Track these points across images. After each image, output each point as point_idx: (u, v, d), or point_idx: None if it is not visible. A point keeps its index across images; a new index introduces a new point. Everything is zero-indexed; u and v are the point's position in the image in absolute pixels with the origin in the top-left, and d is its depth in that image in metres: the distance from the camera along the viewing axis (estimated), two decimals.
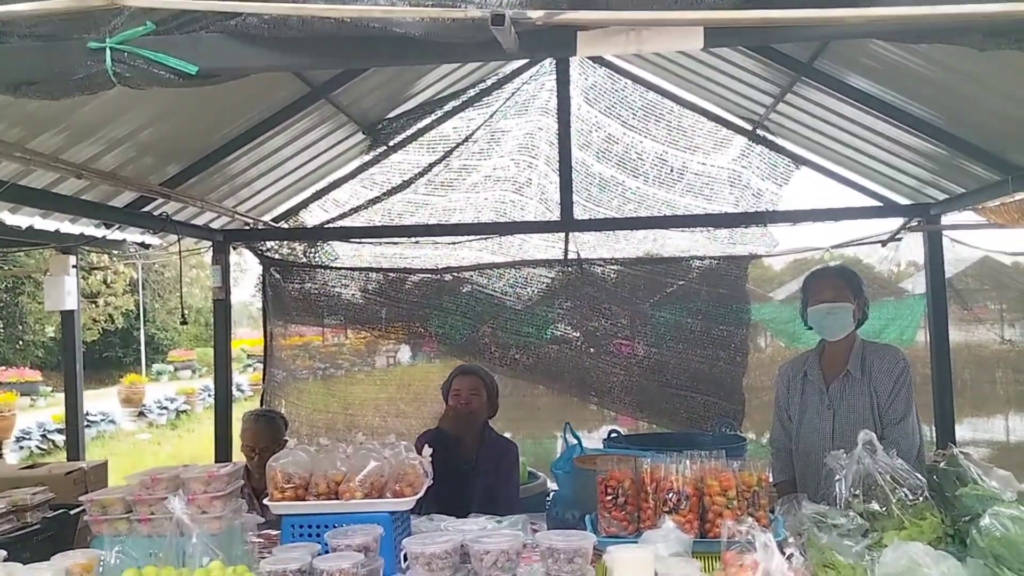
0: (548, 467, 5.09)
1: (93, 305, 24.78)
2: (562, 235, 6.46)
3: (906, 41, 2.96)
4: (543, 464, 5.83)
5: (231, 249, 6.44)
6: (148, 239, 5.99)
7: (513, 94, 6.25)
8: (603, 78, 6.21)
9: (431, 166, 6.38)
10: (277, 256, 6.62)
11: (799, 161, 6.18)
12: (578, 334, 6.57)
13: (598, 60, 6.08)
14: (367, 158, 6.43)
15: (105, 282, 24.60)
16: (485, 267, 6.58)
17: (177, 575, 2.50)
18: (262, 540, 3.27)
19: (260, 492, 4.02)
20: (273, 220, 6.63)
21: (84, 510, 2.87)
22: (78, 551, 2.69)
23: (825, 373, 3.81)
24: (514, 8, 1.97)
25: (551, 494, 5.23)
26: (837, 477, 2.87)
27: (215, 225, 6.27)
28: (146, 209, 5.36)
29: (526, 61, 5.99)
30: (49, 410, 17.58)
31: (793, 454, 3.89)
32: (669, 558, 2.47)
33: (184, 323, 25.42)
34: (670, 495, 2.81)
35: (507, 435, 4.83)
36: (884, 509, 2.73)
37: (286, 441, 4.56)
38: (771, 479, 3.78)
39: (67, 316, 5.77)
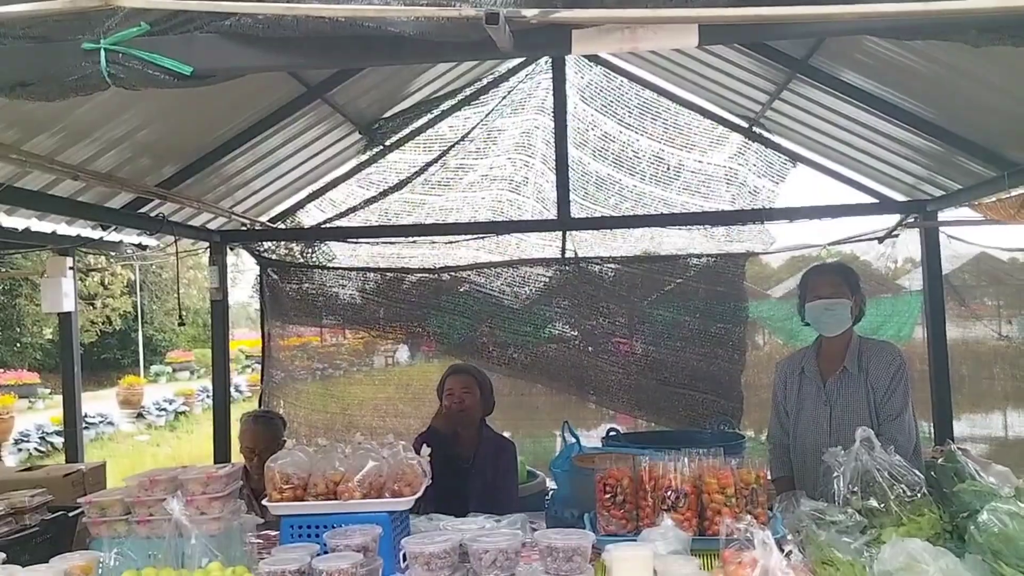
0: (547, 466, 5.09)
1: (91, 307, 24.73)
2: (559, 234, 6.47)
3: (900, 37, 2.95)
4: (542, 463, 5.83)
5: (228, 250, 6.44)
6: (145, 240, 5.99)
7: (509, 93, 6.25)
8: (599, 76, 6.21)
9: (427, 165, 6.38)
10: (274, 256, 6.61)
11: (795, 158, 6.19)
12: (576, 333, 6.57)
13: (594, 58, 6.08)
14: (363, 158, 6.43)
15: (103, 284, 24.55)
16: (482, 266, 6.58)
17: None
18: (261, 541, 3.27)
19: (259, 493, 4.01)
20: (270, 220, 6.63)
21: (83, 512, 2.88)
22: (77, 553, 2.70)
23: (822, 369, 3.82)
24: (508, 7, 1.97)
25: (550, 493, 5.23)
26: (835, 474, 2.87)
27: (212, 226, 6.27)
28: (143, 210, 5.36)
29: (522, 60, 5.99)
30: (47, 412, 17.57)
31: (791, 450, 3.90)
32: (668, 556, 2.48)
33: (182, 324, 25.48)
34: (668, 493, 2.81)
35: (506, 434, 4.83)
36: (882, 506, 2.73)
37: (285, 442, 4.57)
38: (769, 475, 3.79)
39: (64, 318, 5.77)
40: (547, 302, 6.52)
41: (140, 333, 27.05)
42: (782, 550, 2.28)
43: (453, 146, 6.34)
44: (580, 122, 6.27)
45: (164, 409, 19.56)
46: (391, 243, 6.62)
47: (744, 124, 6.14)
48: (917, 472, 2.85)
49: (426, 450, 3.11)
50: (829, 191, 6.58)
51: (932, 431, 5.79)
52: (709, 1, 2.01)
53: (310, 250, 6.62)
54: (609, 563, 2.42)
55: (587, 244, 6.54)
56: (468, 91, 6.26)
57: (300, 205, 6.65)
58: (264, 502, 2.98)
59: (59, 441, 13.66)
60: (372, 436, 4.71)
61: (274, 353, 6.70)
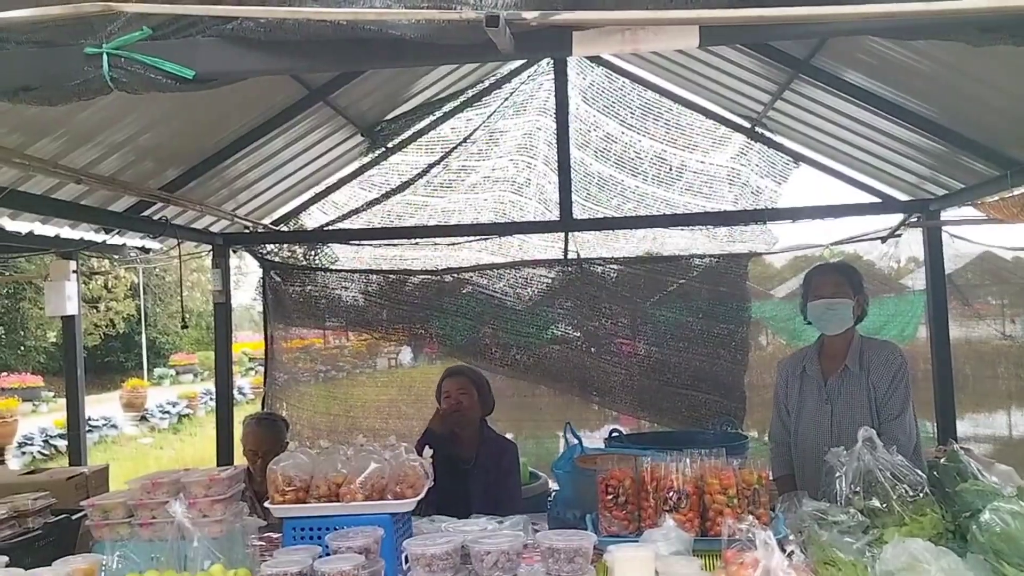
0: (550, 467, 5.09)
1: (94, 310, 24.77)
2: (561, 235, 6.47)
3: (900, 37, 2.96)
4: (545, 464, 5.83)
5: (231, 253, 6.46)
6: (148, 243, 6.00)
7: (511, 94, 6.26)
8: (601, 77, 6.21)
9: (430, 167, 6.39)
10: (277, 259, 6.62)
11: (798, 158, 6.18)
12: (579, 334, 6.57)
13: (596, 59, 6.09)
14: (366, 160, 6.44)
15: (106, 287, 24.59)
16: (485, 268, 6.58)
17: None
18: (263, 543, 3.28)
19: (262, 495, 4.00)
20: (273, 223, 6.64)
21: (85, 515, 2.88)
22: (80, 556, 2.69)
23: (824, 368, 3.82)
24: (509, 9, 1.97)
25: (552, 494, 5.23)
26: (837, 474, 2.86)
27: (215, 229, 6.28)
28: (146, 213, 5.37)
29: (524, 61, 5.99)
30: (51, 415, 17.59)
31: (792, 448, 3.90)
32: (670, 557, 2.47)
33: (185, 327, 25.45)
34: (670, 494, 2.81)
35: (509, 435, 4.83)
36: (884, 506, 2.72)
37: (288, 444, 4.57)
38: (770, 474, 3.79)
39: (68, 321, 5.78)
40: (550, 303, 6.52)
41: (143, 336, 27.10)
42: (784, 550, 2.27)
43: (455, 148, 6.35)
44: (582, 123, 6.27)
45: (167, 412, 19.58)
46: (394, 245, 6.63)
47: (746, 124, 6.14)
48: (919, 472, 2.85)
49: (428, 452, 3.12)
50: (832, 191, 6.59)
51: (935, 431, 5.78)
52: (710, 2, 2.01)
53: (313, 252, 6.63)
54: (611, 564, 2.42)
55: (589, 245, 6.54)
56: (470, 93, 6.27)
57: (303, 207, 6.66)
58: (266, 504, 2.98)
59: (63, 444, 13.68)
60: (375, 438, 4.70)
61: (277, 355, 6.71)
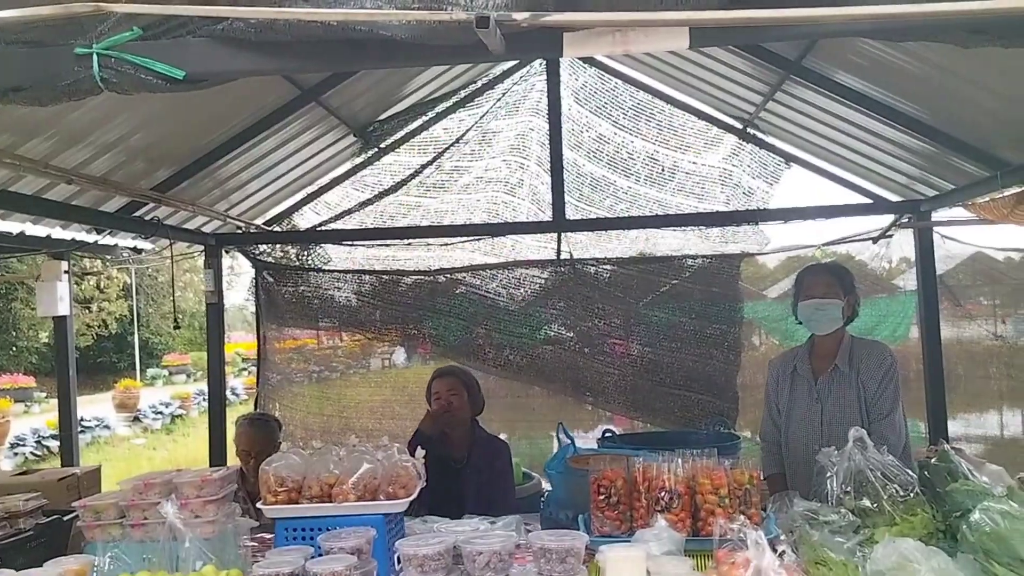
0: (543, 468, 5.09)
1: (86, 310, 24.68)
2: (554, 235, 6.47)
3: (890, 39, 2.96)
4: (539, 465, 5.83)
5: (224, 253, 6.44)
6: (140, 244, 5.98)
7: (503, 95, 6.26)
8: (593, 78, 6.22)
9: (422, 168, 6.39)
10: (270, 259, 6.61)
11: (789, 159, 6.21)
12: (572, 334, 6.57)
13: (588, 60, 6.10)
14: (358, 160, 6.44)
15: (98, 287, 24.49)
16: (478, 268, 6.58)
17: None
18: (256, 544, 3.27)
19: (255, 496, 3.99)
20: (265, 223, 6.63)
21: (77, 516, 2.87)
22: (71, 557, 2.69)
23: (814, 368, 3.84)
24: (499, 10, 1.97)
25: (545, 494, 5.24)
26: (828, 474, 2.87)
27: (207, 229, 6.27)
28: (137, 214, 5.36)
29: (516, 62, 6.00)
30: (43, 416, 17.54)
31: (783, 447, 3.92)
32: (661, 557, 2.48)
33: (177, 327, 25.41)
34: (662, 494, 2.82)
35: (503, 436, 4.83)
36: (875, 505, 2.73)
37: (280, 445, 4.56)
38: (761, 473, 3.80)
39: (60, 322, 5.76)
40: (543, 304, 6.52)
41: (136, 336, 26.99)
42: (775, 550, 2.28)
43: (448, 148, 6.35)
44: (575, 124, 6.28)
45: (160, 412, 19.52)
46: (386, 245, 6.63)
47: (738, 125, 6.16)
48: (910, 472, 2.86)
49: (420, 452, 3.11)
50: (823, 192, 6.61)
51: (927, 431, 5.80)
52: (699, 4, 2.01)
53: (305, 253, 6.62)
54: (603, 564, 2.43)
55: (582, 246, 6.55)
56: (463, 93, 6.27)
57: (295, 208, 6.65)
58: (258, 505, 2.98)
59: (55, 445, 13.64)
60: (368, 438, 4.70)
61: (270, 356, 6.70)
